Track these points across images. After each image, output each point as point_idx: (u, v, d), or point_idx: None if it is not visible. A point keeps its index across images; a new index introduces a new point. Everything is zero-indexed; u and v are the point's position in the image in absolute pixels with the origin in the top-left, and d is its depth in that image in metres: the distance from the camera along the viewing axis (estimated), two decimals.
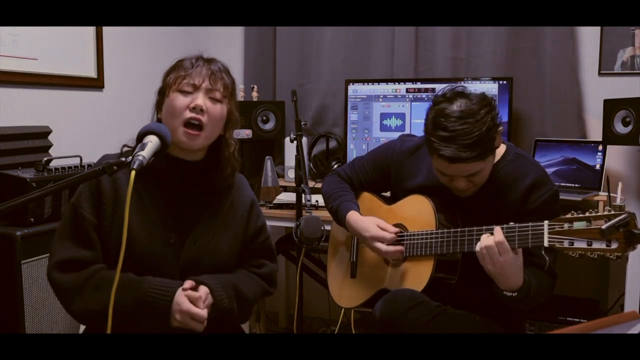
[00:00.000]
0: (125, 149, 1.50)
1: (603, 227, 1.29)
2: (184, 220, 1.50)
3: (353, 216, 1.82)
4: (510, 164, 1.66)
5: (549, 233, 1.41)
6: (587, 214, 1.36)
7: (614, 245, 1.31)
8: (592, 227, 1.33)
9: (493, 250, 1.45)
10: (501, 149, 1.68)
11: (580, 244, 1.35)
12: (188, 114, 1.43)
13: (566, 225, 1.38)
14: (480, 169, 1.55)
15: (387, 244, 1.72)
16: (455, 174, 1.56)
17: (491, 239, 1.47)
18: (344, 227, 1.87)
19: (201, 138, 1.46)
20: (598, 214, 1.34)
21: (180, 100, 1.44)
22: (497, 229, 1.48)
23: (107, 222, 1.45)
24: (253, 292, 1.56)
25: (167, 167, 1.47)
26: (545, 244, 1.41)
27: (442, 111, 1.53)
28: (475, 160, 1.50)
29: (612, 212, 1.32)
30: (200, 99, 1.44)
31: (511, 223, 1.49)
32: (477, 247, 1.49)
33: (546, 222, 1.42)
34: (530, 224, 1.46)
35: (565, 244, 1.37)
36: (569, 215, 1.39)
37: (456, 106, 1.52)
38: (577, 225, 1.36)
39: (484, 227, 1.53)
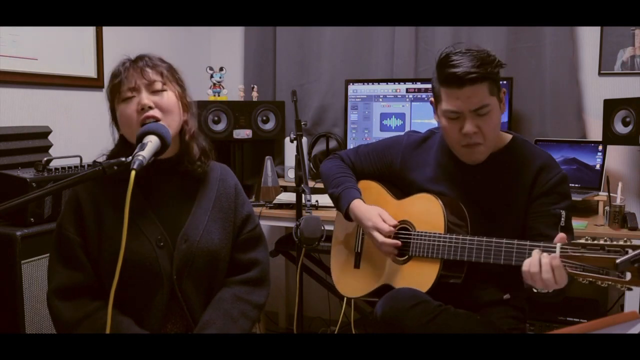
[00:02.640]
0: (103, 157, 1.50)
1: (618, 261, 1.25)
2: (170, 220, 1.50)
3: (357, 204, 1.81)
4: (518, 148, 1.67)
5: (561, 257, 1.37)
6: (602, 242, 1.32)
7: (627, 278, 1.29)
8: (607, 255, 1.30)
9: (550, 281, 1.38)
10: (507, 137, 1.70)
11: (592, 272, 1.32)
12: (140, 117, 1.43)
13: (579, 250, 1.35)
14: (488, 105, 1.56)
15: (385, 236, 1.72)
16: (464, 109, 1.56)
17: (545, 260, 1.38)
18: (343, 214, 1.86)
19: None
20: (614, 242, 1.31)
21: (127, 107, 1.44)
22: (557, 260, 1.37)
23: (93, 238, 1.45)
24: (244, 331, 1.54)
25: (144, 171, 1.45)
26: None
27: (447, 53, 1.61)
28: (482, 78, 1.53)
29: (629, 244, 1.29)
30: (144, 98, 1.43)
31: (521, 241, 1.49)
32: (526, 268, 1.40)
33: (559, 244, 1.39)
34: (542, 243, 1.43)
35: (577, 270, 1.35)
36: (582, 241, 1.36)
37: (461, 49, 1.60)
38: (591, 250, 1.33)
39: (494, 240, 1.52)
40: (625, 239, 1.32)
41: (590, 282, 1.34)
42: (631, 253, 1.27)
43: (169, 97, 1.47)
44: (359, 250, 1.91)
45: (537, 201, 1.60)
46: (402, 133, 1.93)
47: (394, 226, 1.74)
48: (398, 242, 1.73)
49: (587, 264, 1.34)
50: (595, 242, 1.34)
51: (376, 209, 1.77)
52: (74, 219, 1.46)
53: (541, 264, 1.38)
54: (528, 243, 1.47)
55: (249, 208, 1.65)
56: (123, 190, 1.42)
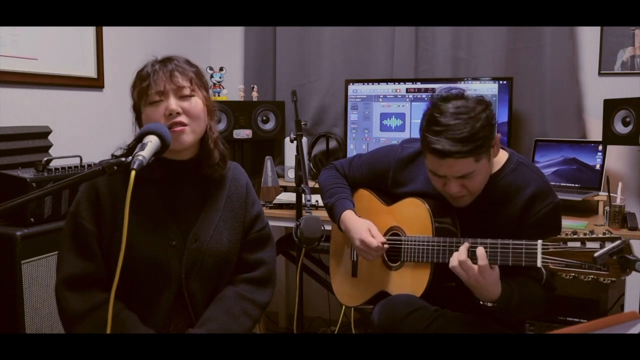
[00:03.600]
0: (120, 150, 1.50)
1: (595, 255, 1.27)
2: (183, 220, 1.50)
3: (348, 215, 1.82)
4: (512, 174, 1.63)
5: (543, 253, 1.40)
6: (582, 236, 1.34)
7: (608, 271, 1.30)
8: (587, 249, 1.32)
9: (472, 272, 1.46)
10: (502, 157, 1.66)
11: (574, 267, 1.34)
12: (167, 122, 1.42)
13: (560, 246, 1.37)
14: (473, 171, 1.52)
15: (372, 251, 1.73)
16: (447, 174, 1.54)
17: (463, 255, 1.48)
18: (336, 224, 1.88)
19: (188, 133, 1.44)
20: (593, 235, 1.32)
21: (154, 112, 1.43)
22: (481, 252, 1.46)
23: (108, 230, 1.45)
24: (245, 329, 1.54)
25: (162, 170, 1.47)
26: (539, 264, 1.41)
27: (437, 108, 1.52)
28: (465, 155, 1.47)
29: (608, 236, 1.30)
30: (172, 103, 1.42)
31: (504, 240, 1.50)
32: (451, 264, 1.49)
33: (540, 242, 1.41)
34: (524, 242, 1.45)
35: (559, 266, 1.36)
36: (563, 236, 1.38)
37: (452, 104, 1.51)
38: (572, 246, 1.35)
39: (479, 240, 1.52)
40: (604, 231, 1.33)
41: (574, 277, 1.35)
42: (608, 246, 1.27)
43: (197, 103, 1.47)
44: (354, 259, 1.92)
45: (525, 231, 1.58)
46: (397, 142, 1.92)
47: (382, 243, 1.74)
48: (379, 255, 1.75)
49: (569, 259, 1.35)
50: (576, 236, 1.34)
51: (366, 223, 1.78)
52: (91, 209, 1.45)
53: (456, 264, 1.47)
54: (511, 242, 1.47)
55: (258, 207, 1.65)
56: (141, 189, 1.43)
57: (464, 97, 1.53)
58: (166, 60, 1.48)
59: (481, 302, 1.51)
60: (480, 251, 1.47)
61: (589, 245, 1.32)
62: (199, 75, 1.52)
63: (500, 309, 1.51)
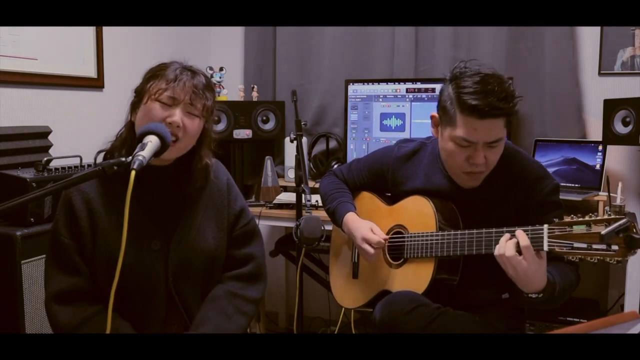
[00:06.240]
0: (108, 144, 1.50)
1: (602, 232, 1.28)
2: (164, 223, 1.49)
3: (350, 217, 1.83)
4: (509, 161, 1.65)
5: (549, 237, 1.39)
6: (587, 218, 1.35)
7: (614, 250, 1.30)
8: (592, 231, 1.32)
9: (516, 259, 1.40)
10: None
11: (580, 249, 1.34)
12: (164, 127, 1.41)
13: (566, 229, 1.37)
14: (501, 138, 1.53)
15: (374, 247, 1.73)
16: (479, 140, 1.52)
17: (511, 243, 1.41)
18: (340, 229, 1.88)
19: (174, 149, 1.44)
20: (598, 217, 1.33)
21: (158, 111, 1.42)
22: (521, 234, 1.41)
23: (88, 242, 1.44)
24: (240, 327, 1.53)
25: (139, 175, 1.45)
26: (545, 248, 1.39)
27: (462, 76, 1.54)
28: (505, 112, 1.49)
29: (612, 217, 1.31)
30: (178, 115, 1.42)
31: (509, 227, 1.48)
32: (496, 252, 1.44)
33: (546, 225, 1.41)
34: (529, 227, 1.44)
35: (565, 248, 1.36)
36: (568, 219, 1.38)
37: (477, 76, 1.53)
38: (577, 229, 1.35)
39: (484, 230, 1.52)
40: (609, 213, 1.33)
41: (580, 259, 1.35)
42: (615, 224, 1.28)
43: (198, 125, 1.47)
44: (355, 260, 1.92)
45: (530, 215, 1.57)
46: (394, 141, 1.92)
47: (385, 240, 1.74)
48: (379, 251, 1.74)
49: (575, 241, 1.34)
50: (581, 219, 1.35)
51: (368, 224, 1.78)
52: (67, 223, 1.45)
53: (507, 246, 1.41)
54: (516, 229, 1.46)
55: (241, 202, 1.63)
56: (115, 191, 1.41)
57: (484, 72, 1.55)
58: (194, 73, 1.48)
59: (525, 294, 1.45)
60: (520, 233, 1.42)
61: (594, 227, 1.32)
62: (213, 108, 1.52)
63: (545, 300, 1.45)
